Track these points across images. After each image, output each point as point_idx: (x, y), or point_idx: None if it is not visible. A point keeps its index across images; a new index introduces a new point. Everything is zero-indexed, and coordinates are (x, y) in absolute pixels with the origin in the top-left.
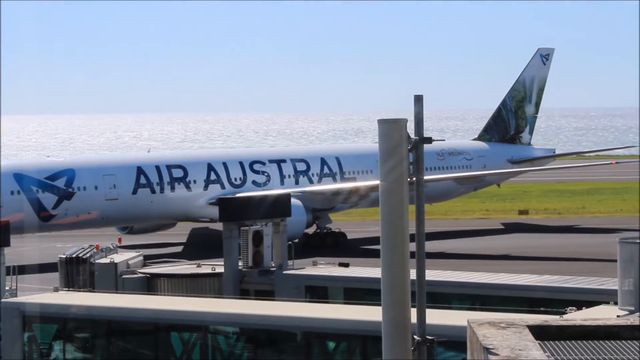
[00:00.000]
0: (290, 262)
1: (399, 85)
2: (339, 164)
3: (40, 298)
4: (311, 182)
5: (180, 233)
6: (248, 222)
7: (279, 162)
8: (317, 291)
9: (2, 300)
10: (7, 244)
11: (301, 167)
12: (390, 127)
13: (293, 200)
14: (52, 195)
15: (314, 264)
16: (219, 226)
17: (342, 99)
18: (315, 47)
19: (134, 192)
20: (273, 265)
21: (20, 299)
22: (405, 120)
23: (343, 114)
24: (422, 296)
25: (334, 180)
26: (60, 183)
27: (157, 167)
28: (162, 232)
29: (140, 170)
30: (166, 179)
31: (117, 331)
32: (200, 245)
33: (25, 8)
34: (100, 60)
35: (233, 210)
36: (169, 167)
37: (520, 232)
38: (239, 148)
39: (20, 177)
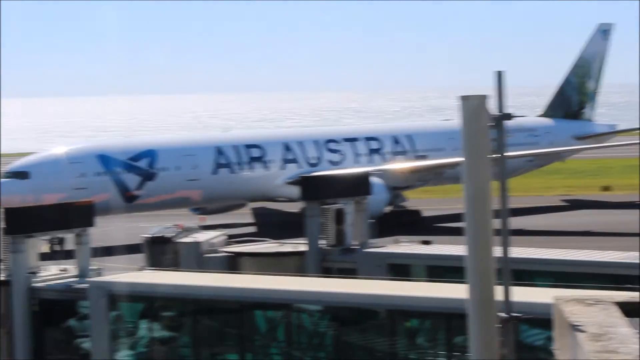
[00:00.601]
0: (371, 241)
1: (477, 62)
2: (411, 141)
3: (126, 277)
4: (384, 160)
5: (242, 213)
6: (329, 200)
7: (352, 140)
8: (400, 269)
9: (89, 279)
10: (92, 224)
11: (374, 145)
12: (471, 104)
13: (374, 179)
14: (135, 176)
15: (396, 242)
16: (279, 205)
17: (419, 75)
18: (393, 25)
19: (214, 172)
20: (355, 243)
21: (107, 278)
22: (486, 97)
23: (420, 91)
24: (507, 273)
25: (406, 158)
26: (143, 164)
27: (236, 147)
28: (231, 213)
29: (219, 150)
30: (245, 158)
31: (202, 310)
32: (271, 224)
33: None
34: (178, 41)
35: (315, 188)
36: (247, 147)
37: (583, 208)
38: (314, 127)
39: (104, 159)
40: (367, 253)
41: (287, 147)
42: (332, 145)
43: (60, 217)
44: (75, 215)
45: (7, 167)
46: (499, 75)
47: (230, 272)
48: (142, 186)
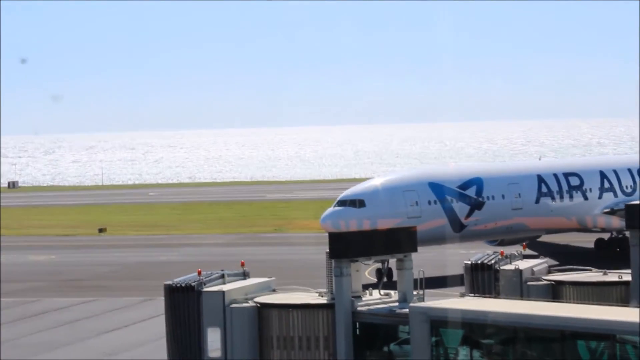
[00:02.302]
0: None
1: None
2: None
3: (447, 303)
4: None
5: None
6: None
7: None
8: None
9: (411, 304)
10: (415, 250)
11: None
12: None
13: None
14: (465, 204)
15: None
16: (552, 238)
17: None
18: None
19: (537, 201)
20: None
21: (428, 303)
22: None
23: None
24: None
25: None
26: (472, 192)
27: (556, 175)
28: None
29: (540, 179)
30: (564, 187)
31: (523, 338)
32: (558, 255)
33: None
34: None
35: None
36: (566, 175)
37: None
38: (628, 155)
39: (435, 187)
40: None
41: (602, 176)
42: None
43: (383, 243)
44: (398, 241)
45: (341, 195)
46: None
47: (553, 301)
48: (471, 215)
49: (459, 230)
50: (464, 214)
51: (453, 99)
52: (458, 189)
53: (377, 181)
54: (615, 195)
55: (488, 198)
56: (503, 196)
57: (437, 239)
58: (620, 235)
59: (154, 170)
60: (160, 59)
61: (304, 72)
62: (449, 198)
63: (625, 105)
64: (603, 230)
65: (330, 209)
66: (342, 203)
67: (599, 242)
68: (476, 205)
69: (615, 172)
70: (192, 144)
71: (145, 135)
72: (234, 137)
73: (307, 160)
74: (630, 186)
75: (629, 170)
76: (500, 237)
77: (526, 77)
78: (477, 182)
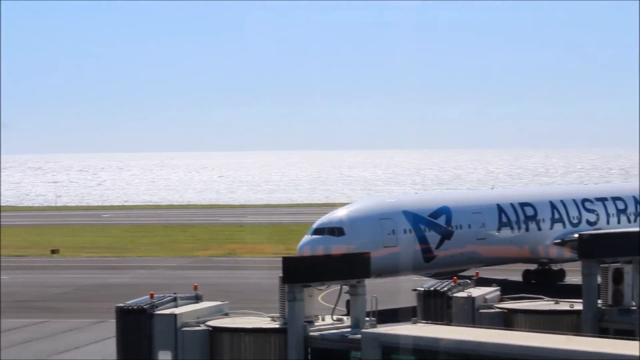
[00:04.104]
0: None
1: None
2: None
3: (399, 329)
4: (628, 221)
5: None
6: (607, 259)
7: (602, 200)
8: None
9: (363, 330)
10: (368, 276)
11: (620, 205)
12: None
13: None
14: (436, 233)
15: None
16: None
17: None
18: None
19: (498, 230)
20: (634, 304)
21: (380, 329)
22: None
23: None
24: None
25: None
26: (442, 221)
27: (512, 205)
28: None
29: (500, 208)
30: (521, 217)
31: None
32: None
33: None
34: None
35: (594, 247)
36: (522, 205)
37: None
38: (574, 185)
39: (409, 215)
40: None
41: (552, 206)
42: (588, 205)
43: (336, 268)
44: (352, 266)
45: (316, 223)
46: None
47: (504, 329)
48: (441, 244)
49: (430, 260)
50: (435, 243)
51: (408, 127)
52: (429, 218)
53: (351, 208)
54: (564, 226)
55: (457, 227)
56: (469, 225)
57: (409, 268)
58: (546, 267)
59: (100, 192)
60: (110, 83)
61: (262, 98)
62: (422, 227)
63: (580, 135)
64: (551, 260)
65: (308, 237)
66: (319, 231)
67: (526, 273)
68: (446, 234)
69: (562, 202)
70: (142, 166)
71: (96, 157)
72: (183, 160)
73: (257, 185)
74: (577, 217)
75: (574, 200)
76: (462, 267)
77: (484, 107)
78: (446, 211)
